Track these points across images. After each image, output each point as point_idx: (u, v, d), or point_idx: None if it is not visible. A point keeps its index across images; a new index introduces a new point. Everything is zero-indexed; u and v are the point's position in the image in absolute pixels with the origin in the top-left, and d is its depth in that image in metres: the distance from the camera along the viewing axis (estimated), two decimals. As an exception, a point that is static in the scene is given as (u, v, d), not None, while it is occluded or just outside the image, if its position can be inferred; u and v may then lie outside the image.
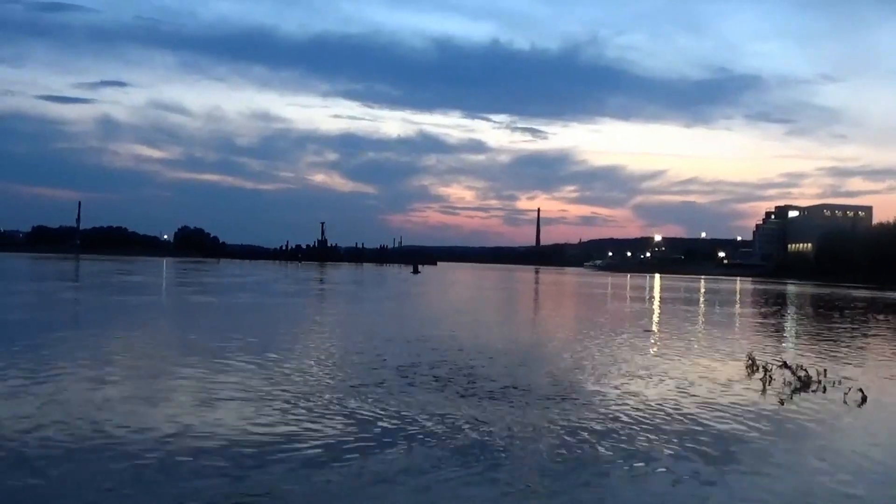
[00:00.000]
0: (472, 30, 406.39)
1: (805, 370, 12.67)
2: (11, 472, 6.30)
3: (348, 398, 9.74)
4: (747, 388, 11.76)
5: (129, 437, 7.45)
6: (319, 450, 7.27)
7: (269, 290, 40.76)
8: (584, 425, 8.64)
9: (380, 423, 8.40)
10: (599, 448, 7.70)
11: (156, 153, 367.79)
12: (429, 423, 8.46)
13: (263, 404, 9.22)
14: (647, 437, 8.28)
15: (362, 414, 8.83)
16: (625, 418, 9.14)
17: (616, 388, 11.33)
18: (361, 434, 7.92)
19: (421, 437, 7.88)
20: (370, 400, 9.65)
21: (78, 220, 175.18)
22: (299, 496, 6.01)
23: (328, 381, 11.12)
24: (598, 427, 8.58)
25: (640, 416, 9.29)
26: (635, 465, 7.18)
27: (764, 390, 11.66)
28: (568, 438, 8.01)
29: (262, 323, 20.76)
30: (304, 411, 8.88)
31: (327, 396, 9.82)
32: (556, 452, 7.46)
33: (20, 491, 5.92)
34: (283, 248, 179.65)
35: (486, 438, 7.89)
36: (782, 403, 10.68)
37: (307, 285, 49.90)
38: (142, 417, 8.28)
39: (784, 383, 12.16)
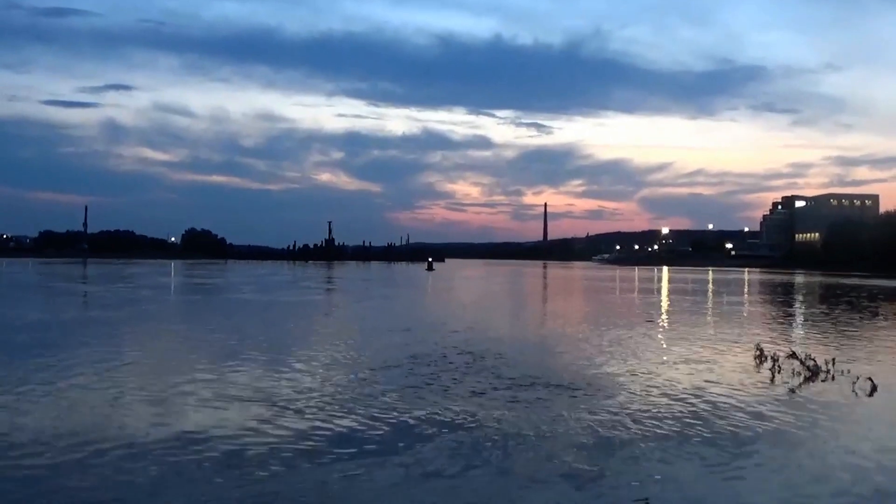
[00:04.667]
0: (474, 25, 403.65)
1: (813, 359, 12.71)
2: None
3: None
4: (756, 379, 11.87)
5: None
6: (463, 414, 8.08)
7: (303, 288, 42.61)
8: (597, 417, 8.85)
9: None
10: (614, 439, 7.88)
11: (161, 156, 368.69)
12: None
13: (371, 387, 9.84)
14: (658, 427, 8.45)
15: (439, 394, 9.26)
16: (640, 407, 9.34)
17: (631, 379, 11.53)
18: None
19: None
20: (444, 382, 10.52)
21: (85, 223, 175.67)
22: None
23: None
24: (609, 419, 8.78)
25: (652, 406, 9.47)
26: (648, 452, 7.30)
27: (773, 380, 11.75)
28: (593, 427, 8.21)
29: (326, 317, 23.89)
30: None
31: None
32: (581, 440, 7.67)
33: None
34: (291, 247, 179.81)
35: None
36: (791, 393, 10.77)
37: (334, 283, 51.36)
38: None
39: (793, 373, 12.23)
